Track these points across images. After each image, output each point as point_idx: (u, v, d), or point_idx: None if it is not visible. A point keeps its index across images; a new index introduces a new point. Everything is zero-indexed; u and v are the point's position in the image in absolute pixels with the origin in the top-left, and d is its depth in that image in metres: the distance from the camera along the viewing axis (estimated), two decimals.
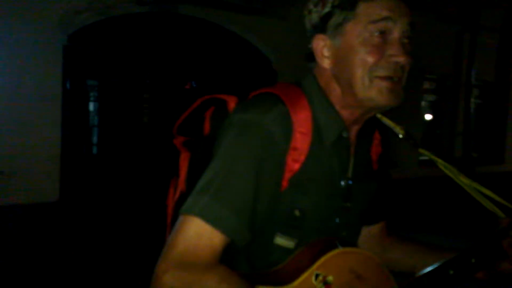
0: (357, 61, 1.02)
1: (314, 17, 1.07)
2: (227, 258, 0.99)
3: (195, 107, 1.17)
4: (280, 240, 1.05)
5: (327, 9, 1.04)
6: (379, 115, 1.19)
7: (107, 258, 4.48)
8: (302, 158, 1.02)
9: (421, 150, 1.26)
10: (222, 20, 7.03)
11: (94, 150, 6.77)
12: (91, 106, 6.72)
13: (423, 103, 9.81)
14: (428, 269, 1.10)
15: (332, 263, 1.01)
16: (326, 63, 1.07)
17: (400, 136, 1.20)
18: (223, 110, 1.12)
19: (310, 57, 1.10)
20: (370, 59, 1.01)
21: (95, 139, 6.78)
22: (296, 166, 1.02)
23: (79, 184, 6.07)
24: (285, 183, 1.03)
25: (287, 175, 1.02)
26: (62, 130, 5.67)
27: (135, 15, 6.11)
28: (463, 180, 1.22)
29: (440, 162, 1.24)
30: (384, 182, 1.27)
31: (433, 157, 1.24)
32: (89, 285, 3.87)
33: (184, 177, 1.16)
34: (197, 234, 0.95)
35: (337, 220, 1.12)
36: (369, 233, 1.32)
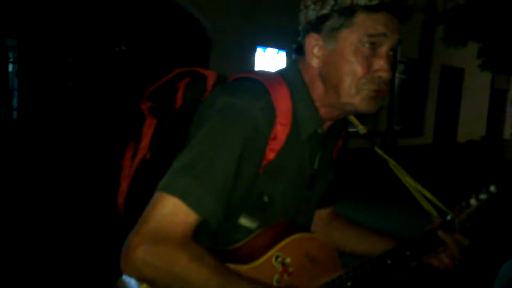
0: (347, 70, 1.06)
1: (311, 14, 1.08)
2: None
3: (170, 77, 1.16)
4: (244, 221, 1.10)
5: (325, 11, 1.06)
6: None
7: (28, 228, 4.30)
8: (278, 147, 1.06)
9: (377, 150, 1.36)
10: None
11: (14, 115, 6.37)
12: (10, 68, 6.28)
13: None
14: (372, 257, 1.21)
15: (291, 246, 1.08)
16: (315, 62, 1.10)
17: (361, 133, 1.29)
18: (200, 84, 1.13)
19: (299, 50, 1.13)
20: (359, 71, 1.05)
21: (15, 103, 6.37)
22: (272, 155, 1.06)
23: None
24: (260, 170, 1.06)
25: (263, 163, 1.06)
26: None
27: None
28: (409, 181, 1.35)
29: (391, 162, 1.34)
30: (339, 170, 1.35)
31: (386, 157, 1.35)
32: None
33: (148, 144, 1.16)
34: (173, 212, 0.96)
35: (300, 207, 1.19)
36: (319, 215, 1.39)
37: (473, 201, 1.36)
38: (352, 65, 1.05)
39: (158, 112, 1.18)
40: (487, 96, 15.73)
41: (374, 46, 1.05)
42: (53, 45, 6.19)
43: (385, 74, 1.06)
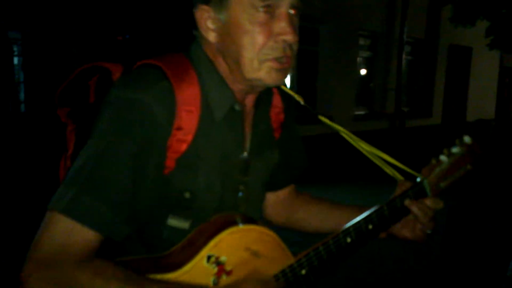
0: (245, 42, 0.95)
1: None
2: (119, 243, 0.93)
3: (75, 76, 1.08)
4: (173, 222, 1.00)
5: None
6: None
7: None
8: (190, 137, 0.96)
9: (321, 118, 1.24)
10: None
11: (22, 108, 6.40)
12: (16, 61, 6.29)
13: (358, 59, 10.02)
14: (330, 238, 1.08)
15: (225, 243, 0.96)
16: (211, 37, 1.00)
17: (302, 103, 1.18)
18: (108, 79, 1.03)
19: (196, 26, 1.02)
20: (259, 40, 0.95)
21: (22, 96, 6.39)
22: (183, 146, 0.96)
23: (7, 144, 5.75)
24: (171, 164, 0.95)
25: (173, 156, 0.95)
26: None
27: None
28: (364, 147, 1.21)
29: (340, 130, 1.22)
30: (289, 148, 1.23)
31: (333, 125, 1.22)
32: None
33: (71, 152, 1.07)
34: (65, 232, 0.86)
35: (240, 194, 1.07)
36: (277, 198, 1.29)
37: (444, 157, 1.19)
38: (250, 35, 0.95)
39: (76, 116, 1.08)
40: (496, 75, 15.53)
41: (270, 8, 0.94)
42: (56, 36, 6.18)
43: (289, 37, 0.96)
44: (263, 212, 1.30)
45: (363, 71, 10.43)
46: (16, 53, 6.23)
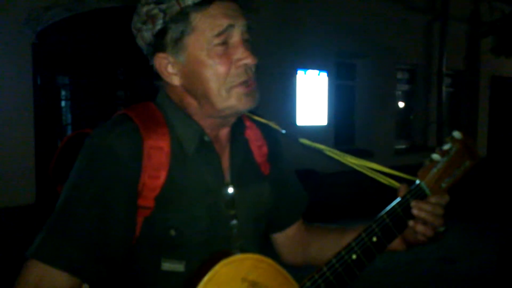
0: (209, 75, 0.99)
1: (147, 35, 1.02)
2: None
3: (62, 147, 1.11)
4: (167, 265, 0.98)
5: (159, 26, 0.99)
6: (249, 115, 1.16)
7: None
8: (163, 173, 0.96)
9: (302, 140, 1.22)
10: None
11: None
12: (63, 104, 6.59)
13: (396, 93, 9.93)
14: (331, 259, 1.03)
15: (221, 276, 0.89)
16: (175, 81, 1.03)
17: (283, 131, 1.19)
18: None
19: (157, 76, 1.06)
20: (221, 70, 0.98)
21: None
22: (158, 182, 0.96)
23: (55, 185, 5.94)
24: (151, 204, 0.95)
25: (151, 195, 0.95)
26: (35, 130, 5.54)
27: (104, 10, 6.00)
28: (351, 161, 1.19)
29: (324, 149, 1.20)
30: (284, 183, 1.22)
31: (316, 145, 1.21)
32: None
33: None
34: (38, 277, 0.87)
35: (233, 230, 1.05)
36: (286, 237, 1.27)
37: (436, 156, 1.15)
38: (212, 68, 0.98)
39: None
40: None
41: (225, 40, 0.98)
42: (102, 80, 6.46)
43: (248, 60, 1.00)
44: (280, 257, 1.27)
45: (402, 105, 10.32)
46: (64, 97, 6.53)
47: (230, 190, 1.07)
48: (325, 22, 7.66)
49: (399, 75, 10.02)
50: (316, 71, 7.92)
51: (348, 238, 1.16)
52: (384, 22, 8.73)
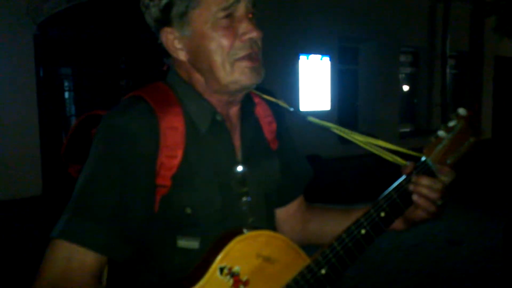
0: (213, 48, 1.00)
1: (154, 11, 1.03)
2: (130, 271, 0.95)
3: (74, 129, 1.12)
4: (182, 243, 1.00)
5: (165, 0, 1.00)
6: (258, 93, 1.17)
7: None
8: (179, 153, 0.98)
9: (310, 118, 1.23)
10: None
11: None
12: (67, 95, 6.60)
13: (400, 76, 9.87)
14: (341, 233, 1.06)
15: (236, 252, 0.94)
16: (181, 56, 1.05)
17: (291, 109, 1.19)
18: None
19: (165, 52, 1.07)
20: (226, 43, 0.99)
21: None
22: (175, 162, 0.98)
23: (61, 176, 5.97)
24: (168, 183, 0.97)
25: (168, 174, 0.97)
26: (40, 122, 5.56)
27: None
28: (358, 138, 1.20)
29: (332, 126, 1.22)
30: (289, 158, 1.23)
31: (324, 123, 1.23)
32: None
33: None
34: (66, 257, 0.89)
35: (243, 206, 1.07)
36: (287, 212, 1.28)
37: (442, 133, 1.18)
38: (216, 40, 0.99)
39: None
40: None
41: (230, 14, 1.00)
42: (105, 70, 6.45)
43: (253, 34, 1.01)
44: (278, 232, 1.29)
45: (406, 88, 10.26)
46: (67, 88, 6.53)
47: (241, 168, 1.09)
48: (327, 5, 7.60)
49: (402, 58, 9.95)
50: (319, 56, 7.88)
51: (348, 216, 1.19)
52: (387, 5, 8.65)
